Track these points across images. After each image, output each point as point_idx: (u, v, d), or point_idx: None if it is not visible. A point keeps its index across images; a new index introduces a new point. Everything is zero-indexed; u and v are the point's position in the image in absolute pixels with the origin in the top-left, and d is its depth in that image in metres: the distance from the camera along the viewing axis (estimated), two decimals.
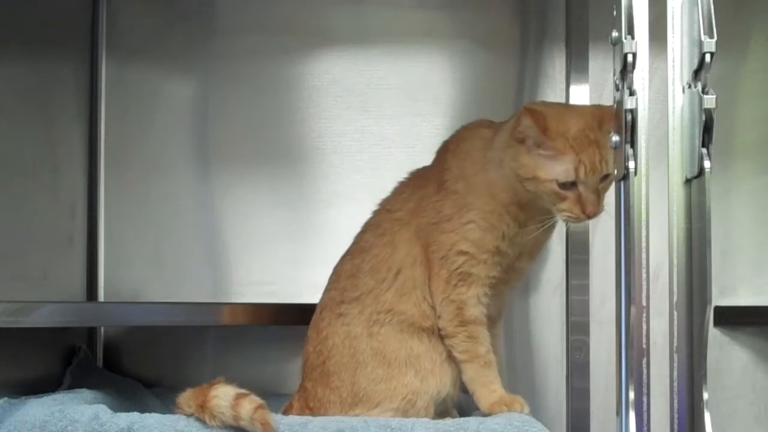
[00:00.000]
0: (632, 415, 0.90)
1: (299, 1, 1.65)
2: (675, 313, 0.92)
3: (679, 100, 0.93)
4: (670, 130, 0.93)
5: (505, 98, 1.62)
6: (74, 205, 1.60)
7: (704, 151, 0.90)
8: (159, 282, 1.63)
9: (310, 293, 1.34)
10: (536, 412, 1.25)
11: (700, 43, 0.89)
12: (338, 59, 1.64)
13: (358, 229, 1.32)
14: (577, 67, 1.54)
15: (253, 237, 1.63)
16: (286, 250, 1.63)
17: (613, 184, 1.00)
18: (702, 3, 0.90)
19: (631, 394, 0.90)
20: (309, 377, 1.25)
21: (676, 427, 0.91)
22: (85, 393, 1.25)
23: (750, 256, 1.59)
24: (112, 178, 1.64)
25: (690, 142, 0.92)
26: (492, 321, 1.26)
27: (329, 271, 1.32)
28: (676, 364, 0.91)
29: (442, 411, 1.24)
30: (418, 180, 1.30)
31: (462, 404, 1.30)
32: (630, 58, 0.91)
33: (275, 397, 1.22)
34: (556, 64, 1.61)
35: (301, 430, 1.06)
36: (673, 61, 0.93)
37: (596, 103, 1.40)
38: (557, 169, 1.12)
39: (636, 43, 0.91)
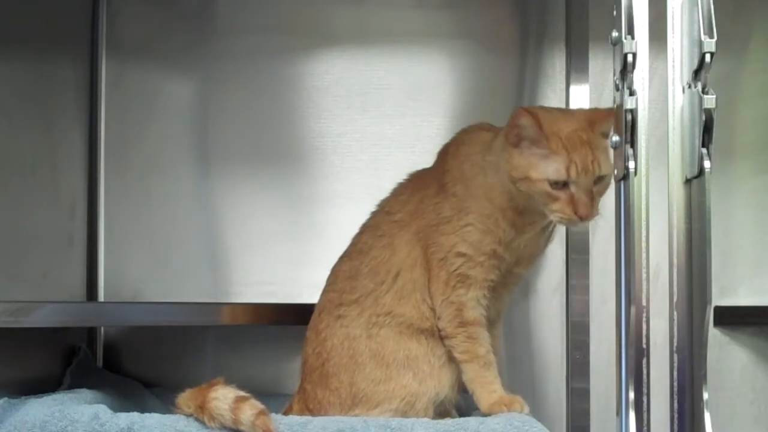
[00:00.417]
0: (632, 415, 0.90)
1: (299, 1, 1.64)
2: (675, 313, 0.92)
3: (679, 100, 0.93)
4: (670, 130, 0.93)
5: (505, 98, 1.62)
6: (74, 205, 1.60)
7: (704, 151, 0.91)
8: (159, 282, 1.63)
9: (310, 293, 1.34)
10: (536, 412, 1.25)
11: (700, 43, 0.90)
12: (338, 59, 1.64)
13: (358, 229, 1.32)
14: (577, 67, 1.54)
15: (253, 237, 1.63)
16: (286, 250, 1.62)
17: (613, 184, 1.00)
18: (702, 3, 0.90)
19: (631, 394, 0.90)
20: (308, 379, 1.25)
21: (676, 427, 0.91)
22: (85, 393, 1.25)
23: (750, 256, 1.59)
24: (112, 178, 1.64)
25: (690, 142, 0.92)
26: (491, 322, 1.26)
27: (329, 272, 1.32)
28: (676, 364, 0.92)
29: (441, 412, 1.24)
30: (417, 182, 1.30)
31: (461, 405, 1.30)
32: (630, 58, 0.91)
33: (275, 398, 1.22)
34: (556, 64, 1.61)
35: (301, 430, 1.06)
36: (673, 61, 0.93)
37: (596, 104, 1.40)
38: (549, 168, 1.12)
39: (636, 43, 0.91)
